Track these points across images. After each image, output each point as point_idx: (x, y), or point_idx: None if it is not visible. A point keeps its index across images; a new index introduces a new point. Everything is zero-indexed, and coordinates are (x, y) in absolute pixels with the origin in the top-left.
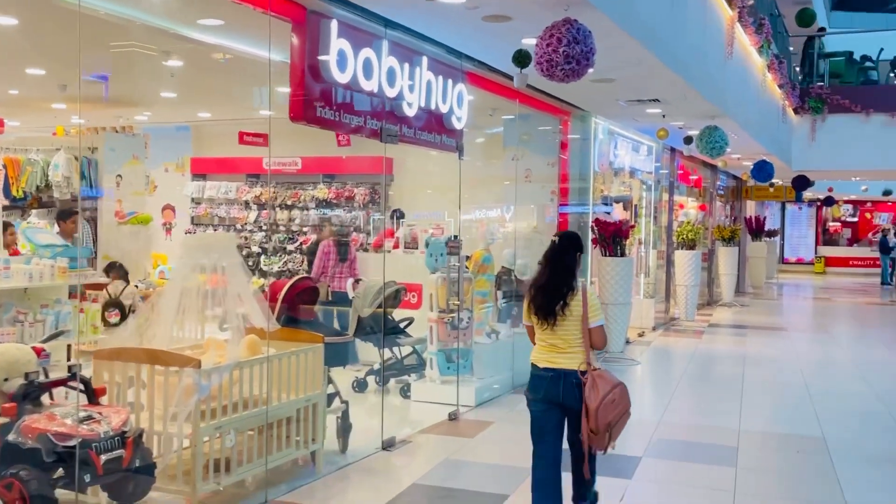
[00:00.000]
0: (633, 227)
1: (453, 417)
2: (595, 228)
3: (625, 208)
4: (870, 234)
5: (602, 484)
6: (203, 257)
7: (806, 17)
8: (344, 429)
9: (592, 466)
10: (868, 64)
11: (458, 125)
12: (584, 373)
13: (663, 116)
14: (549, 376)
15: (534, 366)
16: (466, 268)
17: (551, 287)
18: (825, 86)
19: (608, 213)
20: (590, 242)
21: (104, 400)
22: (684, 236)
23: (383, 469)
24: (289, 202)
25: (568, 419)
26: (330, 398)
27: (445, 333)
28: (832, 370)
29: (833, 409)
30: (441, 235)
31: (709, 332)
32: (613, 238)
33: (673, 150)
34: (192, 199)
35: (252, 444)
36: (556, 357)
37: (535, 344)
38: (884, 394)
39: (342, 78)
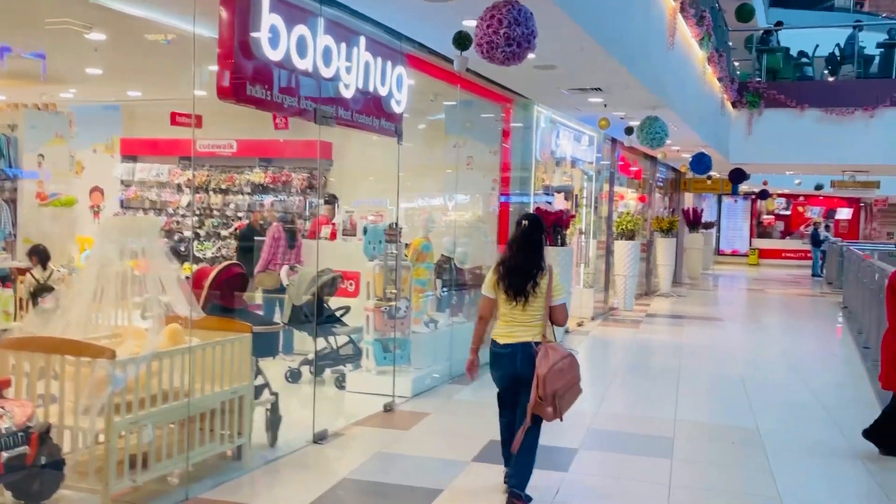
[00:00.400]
0: (573, 216)
1: (389, 409)
2: None
3: (566, 198)
4: (801, 227)
5: (538, 477)
6: (123, 241)
7: (745, 13)
8: (273, 421)
9: (534, 440)
10: (804, 60)
11: (397, 109)
12: (538, 343)
13: (605, 106)
14: (507, 353)
15: (494, 342)
16: (405, 256)
17: (523, 268)
18: (762, 80)
19: (549, 203)
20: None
21: (10, 393)
22: (624, 227)
23: (314, 463)
24: (223, 186)
25: (520, 386)
26: (259, 390)
27: (382, 323)
28: (765, 360)
29: (766, 399)
30: (380, 223)
31: (647, 322)
32: (554, 227)
33: (614, 140)
34: (122, 182)
35: (172, 439)
36: (516, 331)
37: (482, 315)
38: (814, 384)
39: (274, 55)
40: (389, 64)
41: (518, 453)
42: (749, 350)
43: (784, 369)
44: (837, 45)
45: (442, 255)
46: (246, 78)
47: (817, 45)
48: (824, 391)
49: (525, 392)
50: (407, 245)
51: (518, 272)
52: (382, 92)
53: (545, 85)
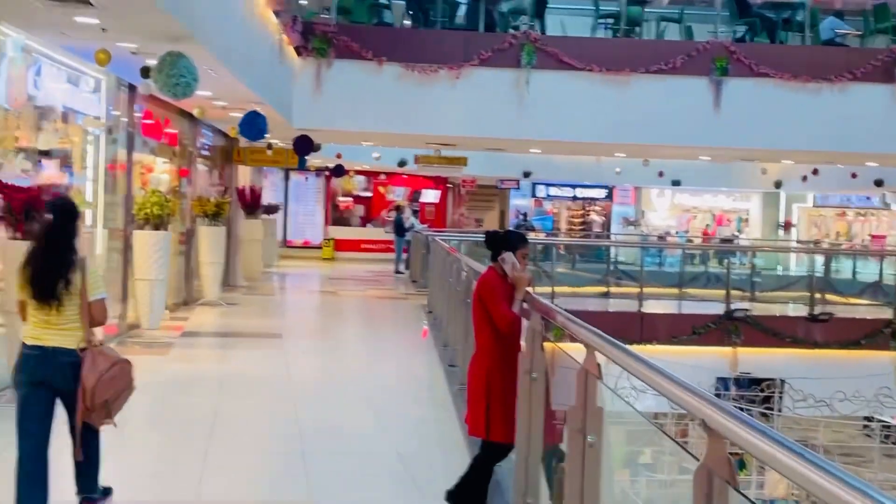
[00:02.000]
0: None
1: None
2: None
3: (62, 166)
4: (383, 213)
5: None
6: None
7: None
8: None
9: (95, 447)
10: (382, 2)
11: None
12: (83, 349)
13: (104, 31)
14: (35, 355)
15: (23, 343)
16: None
17: (52, 268)
18: (332, 22)
19: (27, 172)
20: None
21: None
22: (148, 210)
23: None
24: None
25: (63, 403)
26: None
27: None
28: (333, 393)
29: (328, 454)
30: None
31: (181, 346)
32: (27, 212)
33: (133, 88)
34: None
35: None
36: (46, 334)
37: (21, 318)
38: (390, 423)
39: None
40: None
41: (83, 464)
42: (312, 380)
43: (355, 407)
44: None
45: None
46: None
47: None
48: (402, 433)
49: (68, 410)
50: None
51: (46, 273)
52: None
53: None
